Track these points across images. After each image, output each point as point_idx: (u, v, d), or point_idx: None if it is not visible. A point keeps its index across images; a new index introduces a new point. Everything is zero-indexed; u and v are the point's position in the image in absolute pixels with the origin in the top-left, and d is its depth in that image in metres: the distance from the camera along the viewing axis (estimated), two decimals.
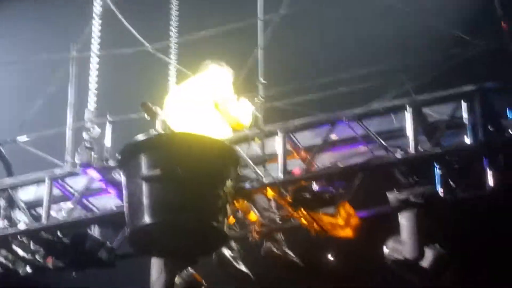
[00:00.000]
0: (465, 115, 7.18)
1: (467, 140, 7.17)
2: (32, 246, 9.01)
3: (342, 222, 7.75)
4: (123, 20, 9.10)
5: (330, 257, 9.69)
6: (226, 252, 8.13)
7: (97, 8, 8.60)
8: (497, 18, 8.03)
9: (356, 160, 7.93)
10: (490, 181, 7.18)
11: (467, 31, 8.59)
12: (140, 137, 6.96)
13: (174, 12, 9.36)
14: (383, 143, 7.42)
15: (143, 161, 6.83)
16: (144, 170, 6.71)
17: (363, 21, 9.91)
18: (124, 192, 7.17)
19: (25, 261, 9.05)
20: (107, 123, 8.23)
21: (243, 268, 8.26)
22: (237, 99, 8.21)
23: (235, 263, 8.22)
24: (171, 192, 6.73)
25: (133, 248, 7.65)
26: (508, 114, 7.35)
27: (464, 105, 7.23)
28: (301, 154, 8.08)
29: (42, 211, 8.87)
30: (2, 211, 9.00)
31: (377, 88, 8.49)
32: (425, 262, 7.10)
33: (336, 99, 8.84)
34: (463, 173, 7.43)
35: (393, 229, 7.38)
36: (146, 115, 7.49)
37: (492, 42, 7.92)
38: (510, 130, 7.22)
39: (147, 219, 6.61)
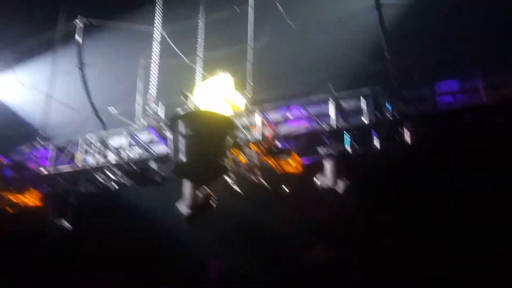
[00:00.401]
0: (363, 105, 8.58)
1: (365, 120, 8.52)
2: (117, 172, 10.06)
3: (293, 164, 8.94)
4: (175, 48, 10.11)
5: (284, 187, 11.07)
6: (228, 179, 9.10)
7: (157, 35, 9.52)
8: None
9: (302, 129, 9.04)
10: (377, 144, 8.57)
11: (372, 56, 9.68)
12: (180, 111, 8.28)
13: (200, 40, 9.79)
14: (317, 120, 8.84)
15: (181, 125, 8.15)
16: (182, 130, 8.11)
17: (312, 49, 10.30)
18: (170, 143, 8.62)
19: (113, 181, 10.07)
20: (160, 103, 9.31)
21: (237, 188, 9.23)
22: (235, 93, 9.41)
23: (233, 185, 9.22)
24: (196, 144, 8.12)
25: (175, 174, 8.77)
26: (387, 106, 8.49)
27: (363, 100, 8.61)
28: (271, 125, 9.18)
29: (123, 152, 10.02)
30: (101, 151, 10.09)
31: (316, 88, 9.34)
32: (338, 188, 8.47)
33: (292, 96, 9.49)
34: (362, 139, 8.69)
35: (321, 169, 8.60)
36: (183, 98, 8.52)
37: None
38: (388, 115, 8.40)
39: (183, 158, 8.05)
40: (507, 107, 8.16)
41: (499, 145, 8.70)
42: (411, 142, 8.50)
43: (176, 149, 8.30)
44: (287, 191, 10.33)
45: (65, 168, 10.38)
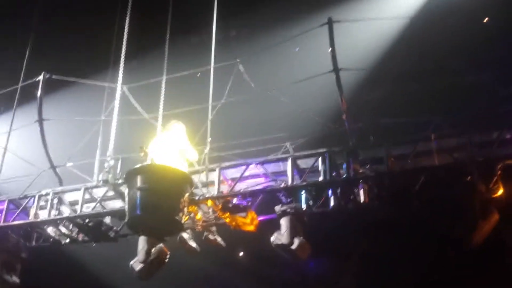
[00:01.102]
0: (320, 164, 8.65)
1: (320, 178, 8.56)
2: (70, 227, 9.92)
3: (249, 221, 8.77)
4: (136, 104, 10.18)
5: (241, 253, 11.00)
6: (184, 235, 9.19)
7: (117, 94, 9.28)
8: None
9: (259, 187, 9.07)
10: (332, 203, 8.66)
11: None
12: (137, 166, 8.16)
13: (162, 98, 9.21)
14: (274, 177, 8.96)
15: (138, 179, 8.01)
16: (138, 184, 7.95)
17: (272, 109, 10.44)
18: (126, 197, 8.34)
19: (65, 235, 9.91)
20: (117, 158, 9.05)
21: (193, 244, 9.37)
22: (191, 147, 9.46)
23: (189, 241, 9.38)
24: (152, 197, 8.02)
25: (130, 229, 8.86)
26: (344, 167, 8.60)
27: (319, 159, 8.70)
28: (228, 182, 9.25)
29: (78, 207, 9.77)
30: (54, 206, 9.89)
31: (274, 148, 9.56)
32: (294, 246, 8.27)
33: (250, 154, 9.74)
34: (317, 197, 8.80)
35: (277, 227, 8.52)
36: (141, 153, 8.28)
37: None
38: (343, 175, 8.51)
39: (138, 212, 7.98)
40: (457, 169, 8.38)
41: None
42: (364, 200, 8.51)
43: (131, 203, 8.17)
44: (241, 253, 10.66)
45: (16, 221, 10.14)
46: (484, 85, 11.06)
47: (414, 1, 10.90)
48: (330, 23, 8.86)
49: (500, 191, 8.19)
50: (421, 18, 10.46)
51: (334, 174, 8.81)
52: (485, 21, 11.54)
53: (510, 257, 11.99)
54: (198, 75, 10.31)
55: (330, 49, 8.84)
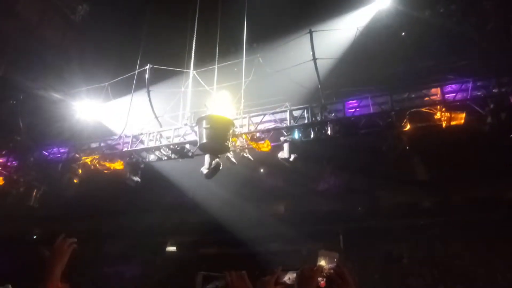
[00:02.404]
0: (305, 114, 9.67)
1: (305, 121, 9.53)
2: (167, 150, 10.44)
3: (266, 146, 9.66)
4: (201, 81, 9.87)
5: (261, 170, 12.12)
6: (229, 154, 9.66)
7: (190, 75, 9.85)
8: None
9: (271, 126, 9.79)
10: (312, 135, 9.60)
11: None
12: (203, 115, 8.91)
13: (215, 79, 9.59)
14: (279, 121, 9.78)
15: (204, 122, 8.76)
16: (204, 125, 8.74)
17: (278, 84, 10.18)
18: (197, 132, 9.08)
19: (164, 155, 10.44)
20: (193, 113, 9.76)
21: (234, 160, 9.78)
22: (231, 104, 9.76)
23: (231, 158, 9.78)
24: (212, 132, 8.71)
25: (200, 150, 9.30)
26: (319, 115, 9.49)
27: (305, 111, 9.75)
28: (253, 124, 9.82)
29: (171, 139, 10.36)
30: (158, 139, 10.38)
31: (279, 105, 9.94)
32: (291, 158, 9.35)
33: (266, 109, 10.08)
34: (304, 132, 9.67)
35: (281, 148, 9.47)
36: (205, 108, 9.28)
37: None
38: (319, 119, 9.82)
39: (204, 140, 8.72)
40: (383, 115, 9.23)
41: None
42: (331, 133, 9.49)
43: (200, 135, 8.89)
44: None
45: (138, 147, 10.73)
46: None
47: (364, 18, 11.14)
48: (310, 32, 9.37)
49: (408, 126, 9.05)
50: (367, 29, 10.89)
51: (313, 119, 9.60)
52: (403, 34, 11.92)
53: None
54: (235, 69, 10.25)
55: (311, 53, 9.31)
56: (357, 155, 13.06)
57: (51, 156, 11.73)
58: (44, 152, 11.81)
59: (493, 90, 8.68)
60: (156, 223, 17.11)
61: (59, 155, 11.61)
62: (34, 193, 11.25)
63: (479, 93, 8.79)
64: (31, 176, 11.28)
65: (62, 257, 3.39)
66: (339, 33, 10.53)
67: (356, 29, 10.40)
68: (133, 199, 15.18)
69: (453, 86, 9.00)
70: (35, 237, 16.97)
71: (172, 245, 18.01)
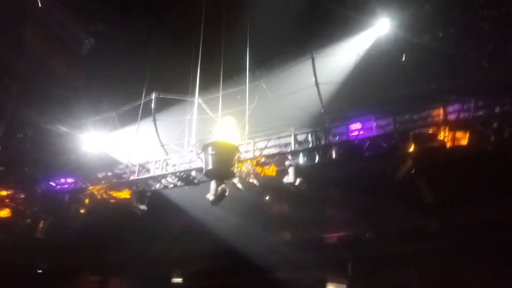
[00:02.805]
0: (309, 138, 9.90)
1: (310, 145, 9.77)
2: (173, 178, 10.59)
3: (271, 171, 9.83)
4: (206, 109, 10.40)
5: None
6: (234, 180, 9.60)
7: (196, 103, 9.98)
8: None
9: (276, 151, 10.01)
10: (317, 159, 9.94)
11: None
12: (208, 142, 8.86)
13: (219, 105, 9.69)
14: (284, 146, 10.20)
15: (209, 149, 8.70)
16: (210, 151, 8.69)
17: (282, 109, 10.28)
18: (203, 159, 8.93)
19: (170, 183, 10.52)
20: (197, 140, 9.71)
21: (240, 185, 9.68)
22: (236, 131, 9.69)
23: (237, 184, 9.70)
24: (217, 158, 8.67)
25: (206, 177, 9.19)
26: (323, 139, 10.14)
27: (309, 135, 10.00)
28: (258, 149, 10.05)
29: (177, 167, 10.51)
30: (164, 166, 10.57)
31: (283, 129, 10.20)
32: (296, 183, 9.27)
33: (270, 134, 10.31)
34: (309, 156, 9.86)
35: (286, 173, 9.45)
36: (210, 135, 9.44)
37: None
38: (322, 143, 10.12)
39: (210, 166, 8.68)
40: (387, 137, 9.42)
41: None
42: (335, 157, 9.63)
43: (206, 162, 8.86)
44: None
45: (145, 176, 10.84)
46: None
47: (364, 43, 11.21)
48: (312, 57, 9.70)
49: (412, 148, 9.10)
50: (367, 54, 11.01)
51: (317, 143, 9.80)
52: (403, 58, 11.97)
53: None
54: (239, 97, 10.40)
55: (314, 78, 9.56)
56: (363, 179, 12.70)
57: (58, 186, 11.84)
58: (51, 183, 11.92)
59: (496, 109, 8.80)
60: (161, 254, 16.93)
61: (66, 185, 11.73)
62: (40, 225, 11.29)
63: (481, 113, 8.92)
64: (38, 208, 11.34)
65: None
66: (341, 58, 10.71)
67: (356, 51, 10.61)
68: (138, 229, 15.05)
69: (455, 106, 9.14)
70: (40, 271, 16.79)
71: (178, 276, 17.73)
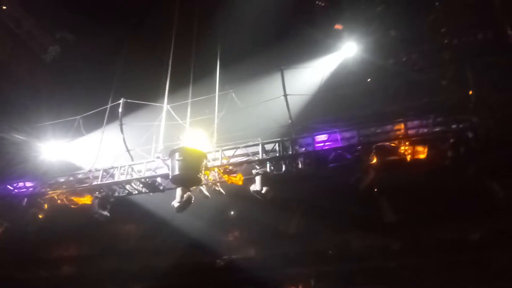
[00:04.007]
0: (277, 147, 10.03)
1: (277, 155, 9.94)
2: (138, 184, 10.60)
3: (238, 179, 9.84)
4: (175, 115, 10.21)
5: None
6: (201, 187, 9.78)
7: (164, 109, 10.08)
8: None
9: (243, 160, 10.06)
10: (284, 168, 9.96)
11: None
12: (175, 148, 9.01)
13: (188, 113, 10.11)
14: (252, 155, 10.15)
15: (176, 155, 8.94)
16: (176, 157, 8.91)
17: (250, 118, 10.43)
18: (169, 165, 9.21)
19: (135, 189, 10.58)
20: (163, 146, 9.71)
21: (206, 193, 9.87)
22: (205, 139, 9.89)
23: (204, 191, 9.85)
24: (184, 164, 8.89)
25: (172, 182, 9.36)
26: (290, 148, 10.01)
27: (276, 144, 10.07)
28: (226, 157, 10.14)
29: (142, 173, 10.47)
30: (129, 172, 10.48)
31: (251, 139, 10.19)
32: (263, 191, 9.37)
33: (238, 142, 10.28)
34: (276, 165, 10.04)
35: (253, 181, 9.51)
36: (178, 141, 9.33)
37: None
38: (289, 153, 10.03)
39: (176, 172, 8.89)
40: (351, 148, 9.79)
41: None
42: (301, 166, 9.93)
43: (173, 168, 9.09)
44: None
45: (108, 181, 10.73)
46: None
47: (332, 63, 11.97)
48: (282, 70, 9.90)
49: (374, 160, 9.53)
50: (335, 74, 11.70)
51: (284, 152, 10.00)
52: (368, 80, 12.76)
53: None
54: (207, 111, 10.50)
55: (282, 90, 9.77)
56: (327, 198, 13.30)
57: (16, 190, 11.57)
58: (8, 186, 11.64)
59: (452, 126, 9.41)
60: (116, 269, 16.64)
61: (25, 189, 11.46)
62: None
63: (439, 129, 9.50)
64: None
65: None
66: (309, 75, 11.15)
67: (324, 70, 11.13)
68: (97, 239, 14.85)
69: (415, 122, 9.70)
70: None
71: None
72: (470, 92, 9.89)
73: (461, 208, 13.53)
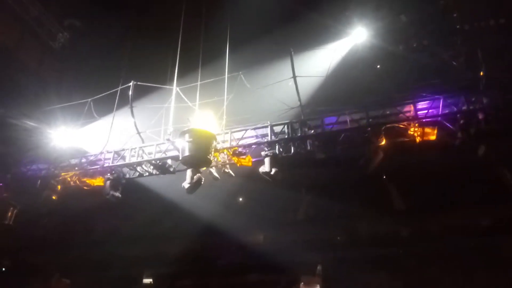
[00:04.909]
0: (286, 129, 10.13)
1: (286, 137, 9.97)
2: (149, 166, 10.69)
3: (247, 161, 9.95)
4: (184, 97, 10.29)
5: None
6: (211, 169, 9.92)
7: (173, 92, 10.29)
8: None
9: (252, 142, 10.15)
10: (292, 150, 9.97)
11: None
12: (185, 129, 9.03)
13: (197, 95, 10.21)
14: (261, 137, 10.20)
15: (186, 136, 8.97)
16: (186, 139, 8.95)
17: (259, 101, 10.51)
18: (179, 147, 9.29)
19: (146, 171, 10.68)
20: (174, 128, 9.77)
21: (216, 174, 9.95)
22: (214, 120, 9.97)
23: (213, 173, 9.99)
24: (194, 146, 8.92)
25: (182, 163, 9.49)
26: (298, 130, 9.97)
27: (285, 126, 10.13)
28: (235, 139, 10.16)
29: (152, 155, 10.53)
30: (140, 154, 10.62)
31: (260, 120, 10.37)
32: (272, 172, 9.49)
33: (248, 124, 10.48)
34: (285, 147, 10.09)
35: (263, 163, 9.62)
36: (188, 122, 9.35)
37: None
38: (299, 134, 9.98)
39: (186, 153, 8.92)
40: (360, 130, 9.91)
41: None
42: (310, 148, 10.02)
43: (183, 149, 9.13)
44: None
45: (120, 163, 10.92)
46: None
47: (342, 48, 11.93)
48: (291, 52, 10.00)
49: (383, 141, 9.63)
50: (344, 59, 11.65)
51: (293, 134, 10.06)
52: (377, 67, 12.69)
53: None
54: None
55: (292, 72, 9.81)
56: (336, 184, 13.45)
57: (29, 172, 11.77)
58: (22, 168, 11.85)
59: (463, 107, 9.46)
60: (132, 254, 16.90)
61: (38, 171, 11.66)
62: (10, 212, 11.19)
63: (449, 110, 9.58)
64: (8, 194, 11.22)
65: None
66: (319, 60, 11.28)
67: (334, 55, 11.19)
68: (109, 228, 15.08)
69: (425, 103, 9.74)
70: (4, 269, 16.48)
71: (148, 276, 17.70)
72: (481, 73, 9.78)
73: (471, 194, 13.72)
